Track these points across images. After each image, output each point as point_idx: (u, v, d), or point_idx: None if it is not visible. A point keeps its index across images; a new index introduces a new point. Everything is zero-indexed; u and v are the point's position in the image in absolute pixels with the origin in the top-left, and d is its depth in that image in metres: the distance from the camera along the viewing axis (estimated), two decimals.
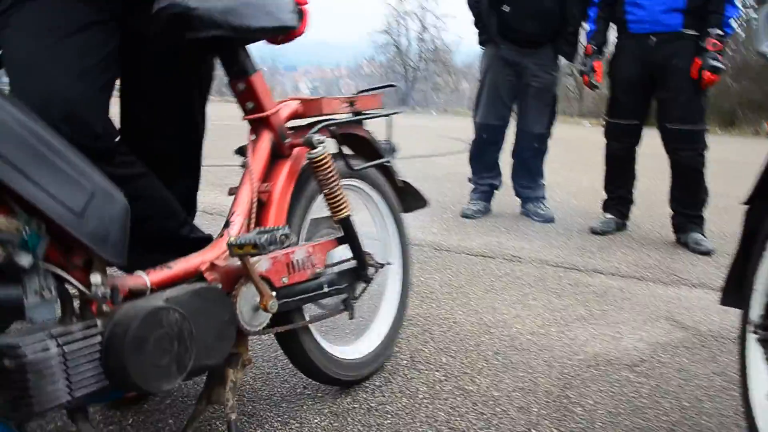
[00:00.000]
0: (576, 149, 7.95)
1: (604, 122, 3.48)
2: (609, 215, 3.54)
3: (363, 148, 1.68)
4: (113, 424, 1.42)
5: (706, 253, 3.10)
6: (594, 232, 3.48)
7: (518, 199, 3.93)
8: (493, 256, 2.98)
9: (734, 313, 1.29)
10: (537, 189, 3.82)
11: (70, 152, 1.02)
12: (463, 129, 4.13)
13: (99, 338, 1.03)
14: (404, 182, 1.80)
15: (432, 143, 8.36)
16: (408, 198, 1.85)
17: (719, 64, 2.89)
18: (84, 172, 1.03)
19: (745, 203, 1.22)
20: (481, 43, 3.76)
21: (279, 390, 1.63)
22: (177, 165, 1.51)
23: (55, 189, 0.98)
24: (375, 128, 1.70)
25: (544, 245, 3.22)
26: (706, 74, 2.90)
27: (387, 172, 1.73)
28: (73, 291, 1.05)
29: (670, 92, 3.10)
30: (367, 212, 1.76)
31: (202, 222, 1.86)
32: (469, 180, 3.94)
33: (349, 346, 1.67)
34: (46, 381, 0.94)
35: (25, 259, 0.96)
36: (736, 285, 1.26)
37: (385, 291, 1.80)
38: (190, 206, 1.61)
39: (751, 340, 1.17)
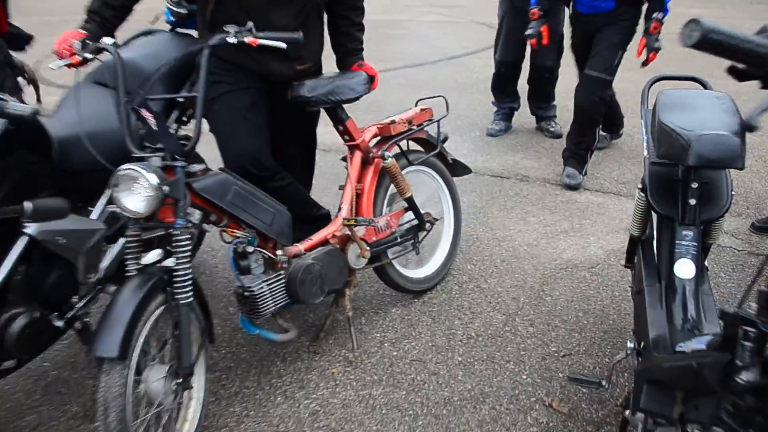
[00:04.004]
0: None
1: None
2: (602, 132, 4.43)
3: (425, 144, 2.65)
4: (291, 316, 2.57)
5: None
6: None
7: (533, 117, 4.82)
8: (508, 176, 3.97)
9: None
10: (548, 110, 4.70)
11: (260, 193, 2.05)
12: (493, 8, 4.71)
13: (283, 280, 2.12)
14: (454, 159, 2.75)
15: (463, 35, 8.94)
16: (457, 168, 2.82)
17: (659, 44, 3.37)
18: (268, 203, 2.07)
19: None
20: None
21: (370, 292, 2.74)
22: (300, 172, 2.52)
23: (257, 214, 2.02)
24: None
25: (549, 163, 4.17)
26: (651, 55, 3.40)
27: (441, 156, 2.69)
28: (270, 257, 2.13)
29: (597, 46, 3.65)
30: (433, 184, 2.76)
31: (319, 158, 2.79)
32: (493, 104, 4.82)
33: (417, 270, 2.73)
34: (263, 301, 2.05)
35: (249, 247, 2.03)
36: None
37: (442, 235, 2.84)
38: (308, 188, 2.64)
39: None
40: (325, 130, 2.65)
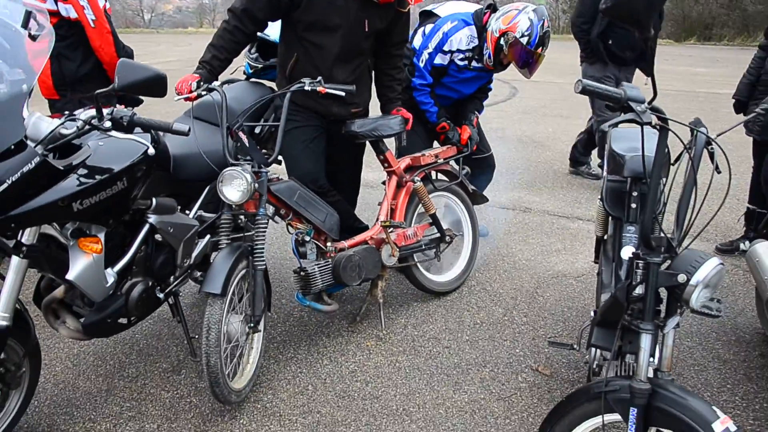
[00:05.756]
0: None
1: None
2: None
3: (450, 175, 3.32)
4: (333, 298, 3.20)
5: None
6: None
7: (537, 161, 5.49)
8: (513, 208, 4.63)
9: None
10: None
11: (316, 198, 2.72)
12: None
13: (331, 265, 2.76)
14: (474, 189, 3.42)
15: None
16: (476, 197, 3.49)
17: (476, 138, 3.48)
18: (323, 205, 2.74)
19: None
20: (589, 61, 5.06)
21: (396, 291, 3.38)
22: (349, 192, 3.19)
23: (314, 213, 2.69)
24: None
25: (549, 198, 4.83)
26: (464, 140, 3.41)
27: (462, 185, 3.36)
28: (321, 247, 2.78)
29: None
30: (455, 208, 3.42)
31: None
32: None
33: (440, 275, 3.37)
34: (314, 280, 2.69)
35: (307, 237, 2.69)
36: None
37: (462, 248, 3.49)
38: (353, 207, 3.30)
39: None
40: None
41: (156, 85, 2.03)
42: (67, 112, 2.22)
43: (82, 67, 3.15)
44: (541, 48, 3.12)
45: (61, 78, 3.10)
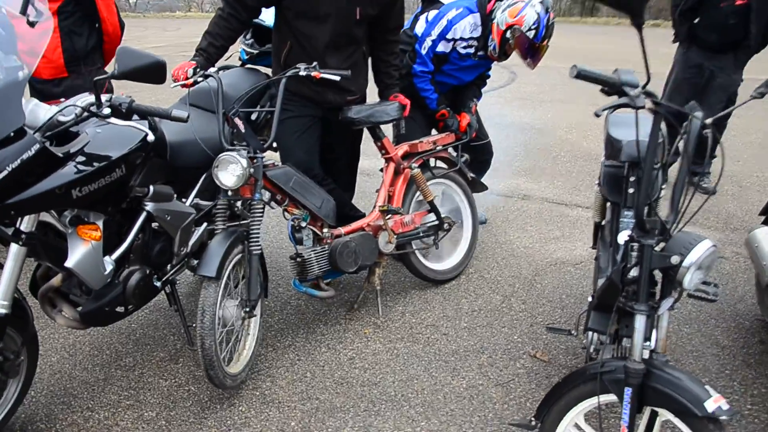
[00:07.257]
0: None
1: None
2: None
3: (448, 162, 3.31)
4: (331, 285, 3.19)
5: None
6: None
7: (536, 148, 5.48)
8: (511, 195, 4.62)
9: None
10: (703, 166, 4.25)
11: (312, 184, 2.72)
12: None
13: (328, 251, 2.76)
14: (473, 177, 3.41)
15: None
16: (476, 185, 3.48)
17: (476, 125, 3.48)
18: (319, 192, 2.73)
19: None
20: (677, 41, 4.69)
21: (393, 279, 3.38)
22: (347, 179, 3.19)
23: (310, 198, 2.69)
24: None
25: (548, 185, 4.82)
26: (463, 127, 3.38)
27: (461, 172, 3.36)
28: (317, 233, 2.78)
29: None
30: (454, 195, 3.41)
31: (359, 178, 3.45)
32: None
33: (438, 264, 3.37)
34: (311, 266, 2.69)
35: (303, 223, 2.69)
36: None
37: (461, 237, 3.48)
38: (351, 195, 3.30)
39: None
40: None
41: (156, 72, 2.03)
42: (63, 99, 2.22)
43: (90, 41, 3.25)
44: (546, 40, 3.11)
45: (74, 53, 3.19)
